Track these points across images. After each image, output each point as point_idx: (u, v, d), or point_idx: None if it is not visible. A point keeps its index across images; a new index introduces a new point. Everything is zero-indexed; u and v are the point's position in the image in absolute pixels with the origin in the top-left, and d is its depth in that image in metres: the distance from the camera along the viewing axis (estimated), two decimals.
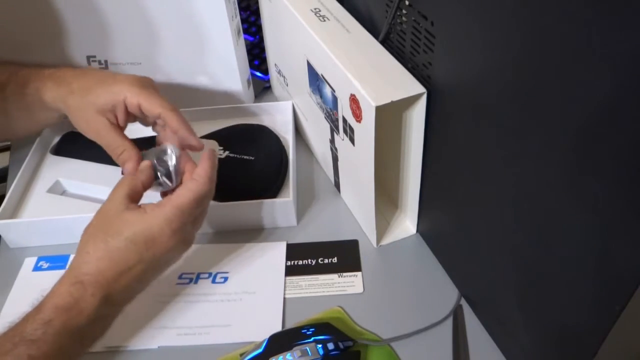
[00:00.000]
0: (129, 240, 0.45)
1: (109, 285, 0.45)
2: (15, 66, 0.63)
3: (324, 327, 0.49)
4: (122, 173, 0.54)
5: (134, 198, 0.49)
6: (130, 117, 0.56)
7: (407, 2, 0.46)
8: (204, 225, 0.60)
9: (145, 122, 0.58)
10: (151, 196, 0.52)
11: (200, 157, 0.51)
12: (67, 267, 0.46)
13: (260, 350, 0.47)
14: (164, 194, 0.53)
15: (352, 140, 0.52)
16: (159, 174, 0.52)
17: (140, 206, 0.48)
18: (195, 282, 0.56)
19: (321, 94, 0.57)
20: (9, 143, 0.76)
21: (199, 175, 0.49)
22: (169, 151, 0.52)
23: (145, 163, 0.52)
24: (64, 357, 0.43)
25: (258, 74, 0.80)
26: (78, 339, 0.44)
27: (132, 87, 0.54)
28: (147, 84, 0.56)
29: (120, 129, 0.56)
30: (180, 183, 0.52)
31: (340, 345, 0.48)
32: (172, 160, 0.52)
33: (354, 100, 0.48)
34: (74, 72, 0.59)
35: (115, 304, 0.46)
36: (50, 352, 0.42)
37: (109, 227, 0.46)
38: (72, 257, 0.58)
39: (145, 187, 0.51)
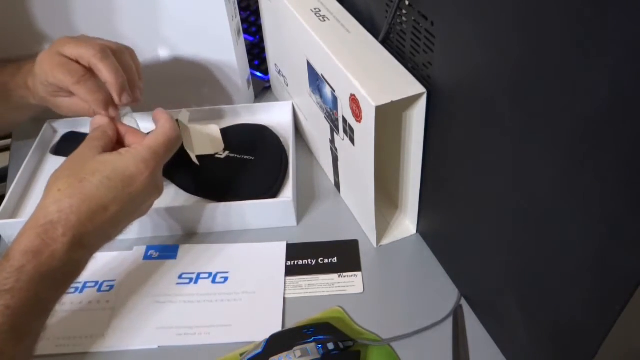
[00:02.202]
0: (106, 178, 0.44)
1: (81, 224, 0.43)
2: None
3: (324, 327, 0.49)
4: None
5: (107, 149, 0.49)
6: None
7: (407, 2, 0.46)
8: (204, 226, 0.61)
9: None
10: None
11: (154, 114, 0.54)
12: (35, 209, 0.44)
13: (260, 350, 0.47)
14: None
15: (352, 140, 0.53)
16: None
17: (115, 150, 0.48)
18: (195, 282, 0.56)
19: (321, 94, 0.57)
20: (9, 143, 0.76)
21: (163, 125, 0.51)
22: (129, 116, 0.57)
23: (134, 129, 0.54)
24: (41, 304, 0.42)
25: (258, 74, 0.80)
26: (52, 284, 0.42)
27: (97, 47, 0.52)
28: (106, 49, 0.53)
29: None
30: None
31: (340, 345, 0.48)
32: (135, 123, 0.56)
33: (354, 100, 0.48)
34: None
35: (87, 247, 0.44)
36: (26, 300, 0.40)
37: (83, 168, 0.45)
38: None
39: (120, 142, 0.52)
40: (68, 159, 0.48)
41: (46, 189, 0.45)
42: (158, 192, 0.50)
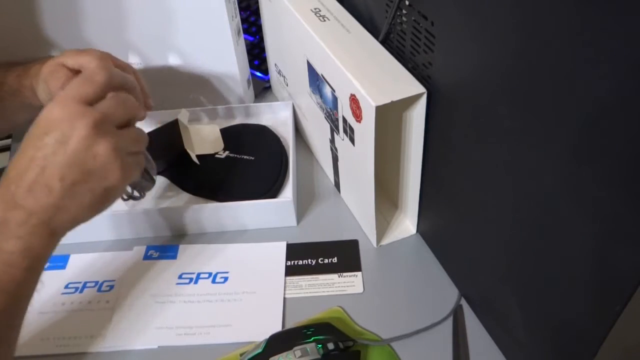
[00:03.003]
0: (26, 136, 0.43)
1: (9, 181, 0.42)
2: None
3: (324, 327, 0.49)
4: None
5: None
6: None
7: (407, 2, 0.46)
8: (204, 226, 0.61)
9: None
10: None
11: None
12: None
13: (260, 350, 0.47)
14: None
15: (352, 140, 0.53)
16: None
17: None
18: (195, 282, 0.56)
19: (321, 94, 0.57)
20: (9, 143, 0.76)
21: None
22: None
23: None
24: None
25: (258, 74, 0.80)
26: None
27: (102, 53, 0.53)
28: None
29: None
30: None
31: (340, 345, 0.48)
32: None
33: (354, 100, 0.48)
34: None
35: (15, 202, 0.41)
36: None
37: None
38: (72, 257, 0.59)
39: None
40: None
41: None
42: (84, 121, 0.42)
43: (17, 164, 0.42)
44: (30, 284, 0.43)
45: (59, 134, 0.42)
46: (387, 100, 0.45)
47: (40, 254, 0.43)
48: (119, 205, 0.62)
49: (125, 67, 0.55)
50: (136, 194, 0.55)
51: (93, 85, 0.45)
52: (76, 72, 0.53)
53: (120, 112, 0.46)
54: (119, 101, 0.46)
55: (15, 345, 0.43)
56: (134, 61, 0.69)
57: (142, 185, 0.55)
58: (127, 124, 0.47)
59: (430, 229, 0.57)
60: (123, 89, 0.48)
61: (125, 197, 0.55)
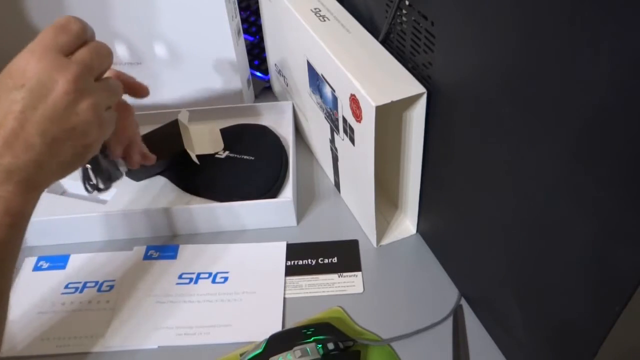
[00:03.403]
0: None
1: None
2: None
3: (324, 327, 0.49)
4: None
5: None
6: None
7: (407, 2, 0.46)
8: (204, 226, 0.61)
9: None
10: None
11: None
12: None
13: (260, 350, 0.47)
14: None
15: (352, 140, 0.53)
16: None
17: None
18: (195, 282, 0.56)
19: (321, 94, 0.57)
20: None
21: None
22: None
23: None
24: None
25: (258, 74, 0.80)
26: None
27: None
28: None
29: None
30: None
31: (340, 345, 0.48)
32: None
33: (354, 100, 0.48)
34: None
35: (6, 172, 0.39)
36: None
37: None
38: (72, 257, 0.59)
39: None
40: None
41: None
42: (65, 75, 0.41)
43: None
44: (15, 242, 0.41)
45: (39, 87, 0.40)
46: (387, 100, 0.45)
47: (23, 210, 0.41)
48: (119, 206, 0.62)
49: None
50: (101, 185, 0.53)
51: (69, 34, 0.42)
52: None
53: (97, 64, 0.44)
54: (95, 52, 0.44)
55: (5, 309, 0.41)
56: (134, 61, 0.70)
57: (109, 175, 0.53)
58: (101, 75, 0.45)
59: (430, 229, 0.57)
60: (93, 39, 0.46)
61: (89, 188, 0.53)
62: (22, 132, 0.40)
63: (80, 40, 0.43)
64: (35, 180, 0.41)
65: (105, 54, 0.45)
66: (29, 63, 0.40)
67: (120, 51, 0.69)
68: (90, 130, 0.43)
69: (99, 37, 0.68)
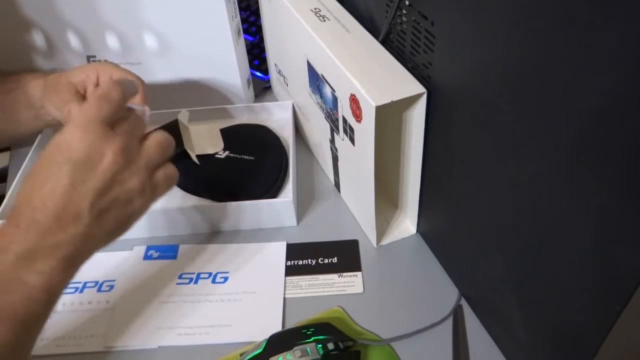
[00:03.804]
0: (45, 158, 0.41)
1: (34, 210, 0.40)
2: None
3: (324, 327, 0.49)
4: None
5: None
6: None
7: (407, 2, 0.46)
8: (204, 226, 0.61)
9: None
10: None
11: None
12: None
13: (260, 350, 0.47)
14: None
15: (352, 140, 0.53)
16: None
17: None
18: (195, 282, 0.56)
19: (321, 94, 0.57)
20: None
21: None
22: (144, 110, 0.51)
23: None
24: (0, 310, 0.38)
25: (258, 74, 0.80)
26: (6, 285, 0.38)
27: (104, 64, 0.59)
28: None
29: (85, 99, 0.59)
30: None
31: (340, 345, 0.48)
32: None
33: (354, 100, 0.48)
34: None
35: (44, 233, 0.40)
36: None
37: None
38: None
39: None
40: None
41: None
42: (112, 148, 0.41)
43: (39, 189, 0.40)
44: (46, 317, 0.41)
45: (87, 160, 0.41)
46: (387, 100, 0.45)
47: (61, 287, 0.41)
48: None
49: (127, 75, 0.58)
50: None
51: (111, 104, 0.43)
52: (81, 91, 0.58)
53: (138, 131, 0.45)
54: (137, 118, 0.45)
55: None
56: (134, 61, 0.69)
57: None
58: (146, 136, 0.46)
59: (430, 229, 0.57)
60: (133, 95, 0.48)
61: None
62: (72, 205, 0.40)
63: (121, 107, 0.44)
64: (78, 254, 0.41)
65: (142, 118, 0.47)
66: (75, 136, 0.41)
67: (120, 51, 0.69)
68: (134, 199, 0.43)
69: (97, 36, 0.68)
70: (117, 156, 0.41)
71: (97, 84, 0.59)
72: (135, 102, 0.55)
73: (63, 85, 0.59)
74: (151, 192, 0.45)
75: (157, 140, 0.46)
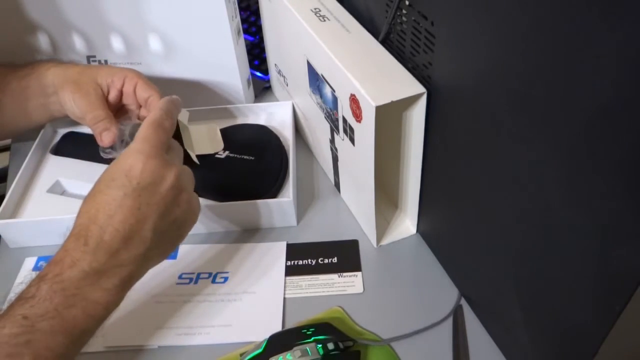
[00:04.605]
0: (109, 179, 0.43)
1: (100, 230, 0.41)
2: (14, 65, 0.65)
3: (324, 327, 0.49)
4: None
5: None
6: (117, 100, 0.61)
7: (407, 2, 0.46)
8: (204, 226, 0.61)
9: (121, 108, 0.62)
10: None
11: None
12: None
13: (260, 350, 0.47)
14: None
15: (352, 140, 0.53)
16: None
17: None
18: (195, 282, 0.56)
19: (321, 94, 0.57)
20: (9, 143, 0.76)
21: (150, 113, 0.49)
22: None
23: None
24: (62, 322, 0.39)
25: (258, 74, 0.80)
26: (73, 299, 0.40)
27: (132, 72, 0.60)
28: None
29: (108, 103, 0.60)
30: None
31: (340, 345, 0.48)
32: None
33: (354, 100, 0.48)
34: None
35: (111, 253, 0.42)
36: (44, 311, 0.38)
37: (94, 186, 0.45)
38: None
39: None
40: None
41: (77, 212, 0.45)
42: (172, 172, 0.45)
43: (106, 210, 0.42)
44: (95, 332, 0.43)
45: (152, 184, 0.44)
46: (387, 100, 0.45)
47: (117, 304, 0.44)
48: None
49: (151, 90, 0.60)
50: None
51: (165, 132, 0.47)
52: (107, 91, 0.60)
53: (181, 155, 0.50)
54: (178, 146, 0.50)
55: None
56: (134, 61, 0.70)
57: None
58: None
59: (430, 229, 0.57)
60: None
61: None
62: (137, 227, 0.43)
63: (171, 135, 0.49)
64: (136, 274, 0.44)
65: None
66: (141, 162, 0.44)
67: (120, 51, 0.69)
68: (187, 220, 0.48)
69: (97, 35, 0.68)
70: (176, 181, 0.45)
71: (120, 90, 0.60)
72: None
73: (88, 84, 0.59)
74: (195, 214, 0.49)
75: (188, 169, 0.50)
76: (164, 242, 0.46)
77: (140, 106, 0.61)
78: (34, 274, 0.42)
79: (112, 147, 0.59)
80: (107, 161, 0.65)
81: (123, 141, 0.59)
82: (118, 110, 0.62)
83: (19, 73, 0.64)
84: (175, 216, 0.46)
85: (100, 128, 0.58)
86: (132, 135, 0.56)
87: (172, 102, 0.51)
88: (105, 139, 0.58)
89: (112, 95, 0.60)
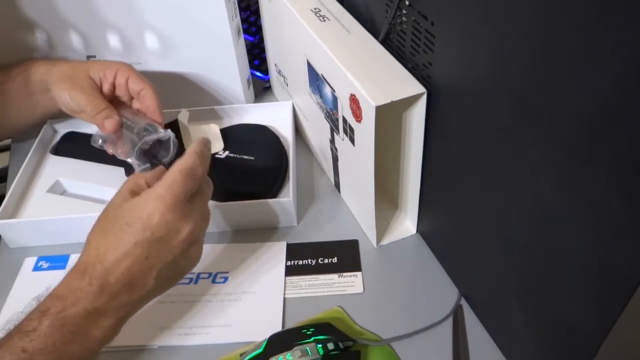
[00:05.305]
0: (125, 224, 0.43)
1: (106, 271, 0.42)
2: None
3: (324, 327, 0.49)
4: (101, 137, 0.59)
5: (136, 193, 0.46)
6: (111, 93, 0.61)
7: (407, 2, 0.46)
8: None
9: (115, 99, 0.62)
10: None
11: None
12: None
13: (260, 350, 0.47)
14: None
15: (352, 140, 0.53)
16: (135, 148, 0.57)
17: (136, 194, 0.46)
18: (195, 282, 0.56)
19: (321, 94, 0.57)
20: (9, 143, 0.76)
21: (186, 153, 0.47)
22: (170, 138, 0.57)
23: (160, 168, 0.50)
24: (59, 356, 0.40)
25: (258, 74, 0.80)
26: (72, 335, 0.41)
27: (124, 65, 0.61)
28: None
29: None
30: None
31: (340, 345, 0.48)
32: (171, 149, 0.57)
33: (354, 100, 0.48)
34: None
35: (113, 295, 0.42)
36: (44, 346, 0.39)
37: (111, 218, 0.45)
38: (72, 257, 0.59)
39: (149, 185, 0.47)
40: (105, 207, 0.46)
41: (86, 239, 0.45)
42: (189, 225, 0.44)
43: (114, 252, 0.42)
44: None
45: (165, 236, 0.43)
46: (387, 100, 0.45)
47: (112, 339, 0.44)
48: None
49: (143, 83, 0.60)
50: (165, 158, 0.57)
51: (195, 181, 0.46)
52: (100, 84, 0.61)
53: (208, 198, 0.48)
54: (209, 189, 0.49)
55: None
56: (134, 61, 0.69)
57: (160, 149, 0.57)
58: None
59: (430, 229, 0.57)
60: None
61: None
62: (142, 274, 0.43)
63: (201, 181, 0.47)
64: (134, 311, 0.45)
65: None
66: (159, 213, 0.43)
67: (120, 51, 0.69)
68: (191, 265, 0.47)
69: (97, 36, 0.68)
70: (190, 235, 0.45)
71: (113, 84, 0.61)
72: (152, 112, 0.60)
73: (83, 79, 0.60)
74: (198, 260, 0.48)
75: (208, 214, 0.48)
76: (165, 285, 0.47)
77: (132, 98, 0.62)
78: (33, 303, 0.43)
79: (104, 140, 0.59)
80: (107, 161, 0.65)
81: (129, 138, 0.58)
82: (111, 103, 0.62)
83: (10, 73, 0.64)
84: (182, 264, 0.46)
85: (102, 116, 0.58)
86: (139, 135, 0.57)
87: (206, 145, 0.48)
88: (108, 126, 0.58)
89: (105, 88, 0.61)
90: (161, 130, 0.58)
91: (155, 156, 0.57)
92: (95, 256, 0.43)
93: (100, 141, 0.59)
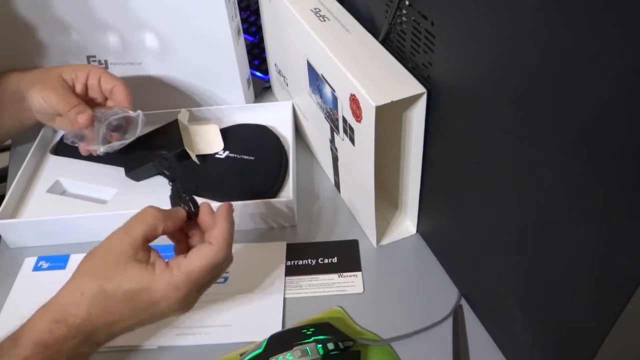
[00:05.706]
0: (128, 296, 0.42)
1: (95, 330, 0.42)
2: None
3: (324, 327, 0.49)
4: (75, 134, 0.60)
5: (149, 239, 0.45)
6: (83, 94, 0.62)
7: (407, 2, 0.46)
8: None
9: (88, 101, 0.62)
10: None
11: (216, 213, 0.47)
12: (53, 297, 0.43)
13: (260, 350, 0.47)
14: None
15: (352, 140, 0.53)
16: (107, 130, 0.59)
17: (149, 260, 0.44)
18: None
19: (321, 94, 0.57)
20: (9, 143, 0.76)
21: (215, 239, 0.44)
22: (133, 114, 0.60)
23: (176, 209, 0.48)
24: None
25: (258, 74, 0.80)
26: None
27: (96, 67, 0.63)
28: None
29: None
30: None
31: (340, 345, 0.48)
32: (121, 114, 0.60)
33: (354, 100, 0.48)
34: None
35: (96, 345, 0.44)
36: None
37: (111, 274, 0.42)
38: (72, 257, 0.59)
39: (166, 231, 0.46)
40: (104, 246, 0.44)
41: (72, 279, 0.43)
42: (185, 310, 0.45)
43: (108, 318, 0.42)
44: None
45: (160, 315, 0.44)
46: (387, 100, 0.45)
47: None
48: (119, 206, 0.62)
49: (115, 80, 0.61)
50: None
51: (217, 277, 0.46)
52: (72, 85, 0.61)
53: (226, 267, 0.46)
54: (222, 271, 0.46)
55: None
56: (134, 61, 0.70)
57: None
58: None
59: (430, 229, 0.57)
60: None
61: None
62: (129, 330, 0.44)
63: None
64: (109, 340, 0.45)
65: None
66: (166, 301, 0.43)
67: (121, 51, 0.69)
68: (175, 313, 0.45)
69: (97, 36, 0.68)
70: (186, 311, 0.45)
71: (85, 85, 0.61)
72: (123, 106, 0.60)
73: (55, 80, 0.60)
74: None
75: (210, 285, 0.47)
76: (145, 324, 0.46)
77: (106, 99, 0.62)
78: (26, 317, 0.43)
79: (77, 137, 0.60)
80: (107, 161, 0.65)
81: (99, 131, 0.59)
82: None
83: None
84: (165, 317, 0.45)
85: (74, 112, 0.58)
86: (109, 126, 0.59)
87: (232, 226, 0.46)
88: (81, 120, 0.58)
89: (78, 89, 0.61)
90: (131, 112, 0.60)
91: (124, 134, 0.60)
92: (86, 314, 0.42)
93: (72, 138, 0.60)
